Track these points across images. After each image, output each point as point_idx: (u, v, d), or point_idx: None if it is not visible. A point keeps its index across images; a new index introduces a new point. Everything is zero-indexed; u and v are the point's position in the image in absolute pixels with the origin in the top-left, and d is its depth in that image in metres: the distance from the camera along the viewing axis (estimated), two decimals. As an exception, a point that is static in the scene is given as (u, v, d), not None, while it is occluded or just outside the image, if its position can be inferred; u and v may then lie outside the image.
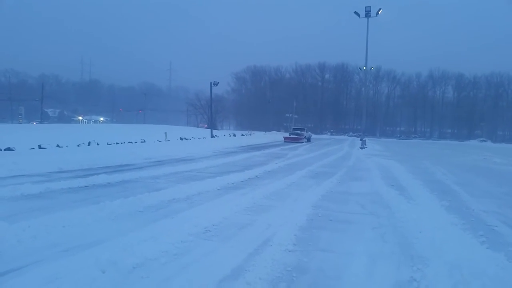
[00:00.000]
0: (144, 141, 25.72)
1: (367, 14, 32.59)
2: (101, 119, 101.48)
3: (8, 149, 15.98)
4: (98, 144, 21.35)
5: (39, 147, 17.69)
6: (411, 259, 4.52)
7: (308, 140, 44.90)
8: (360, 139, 34.15)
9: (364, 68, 36.94)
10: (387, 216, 6.80)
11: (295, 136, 41.40)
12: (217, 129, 68.32)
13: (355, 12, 32.92)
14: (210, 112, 52.56)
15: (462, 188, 10.43)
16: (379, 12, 32.59)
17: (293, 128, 47.13)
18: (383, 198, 8.59)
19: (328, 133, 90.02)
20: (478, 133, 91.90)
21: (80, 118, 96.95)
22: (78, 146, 19.89)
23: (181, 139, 31.79)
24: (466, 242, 4.84)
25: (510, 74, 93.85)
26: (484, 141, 76.67)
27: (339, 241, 5.22)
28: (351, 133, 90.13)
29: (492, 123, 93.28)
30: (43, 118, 76.60)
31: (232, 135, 47.81)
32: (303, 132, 43.28)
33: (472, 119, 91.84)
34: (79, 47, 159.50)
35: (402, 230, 5.82)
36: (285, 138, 42.03)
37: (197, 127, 79.37)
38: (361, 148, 30.62)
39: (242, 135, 49.66)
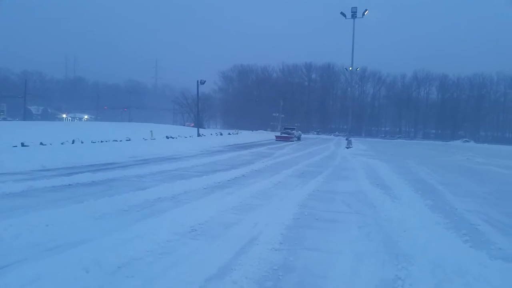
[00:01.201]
0: (130, 140, 25.43)
1: (353, 15, 32.76)
2: (86, 117, 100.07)
3: (-11, 146, 15.62)
4: (82, 142, 21.05)
5: (22, 144, 17.33)
6: (396, 257, 4.57)
7: (298, 139, 46.87)
8: (346, 139, 34.42)
9: (350, 68, 37.20)
10: (372, 215, 6.87)
11: (286, 135, 43.41)
12: (204, 128, 68.05)
13: (341, 13, 33.07)
14: (196, 111, 52.31)
15: (446, 188, 10.60)
16: (365, 13, 32.81)
17: (284, 128, 49.08)
18: (368, 197, 8.67)
19: (315, 132, 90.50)
20: (461, 133, 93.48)
21: (64, 115, 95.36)
22: (62, 144, 19.56)
23: (167, 137, 31.55)
24: (449, 241, 4.92)
25: (493, 76, 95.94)
26: (467, 141, 78.03)
27: (325, 240, 5.25)
28: (337, 132, 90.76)
29: (475, 124, 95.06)
30: (26, 115, 75.18)
31: (219, 134, 47.65)
32: (293, 132, 45.23)
33: (455, 120, 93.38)
34: (63, 44, 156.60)
35: (386, 229, 5.88)
36: (276, 137, 43.99)
37: (184, 125, 78.89)
38: (347, 147, 30.85)
39: (229, 134, 49.57)
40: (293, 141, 42.15)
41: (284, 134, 44.28)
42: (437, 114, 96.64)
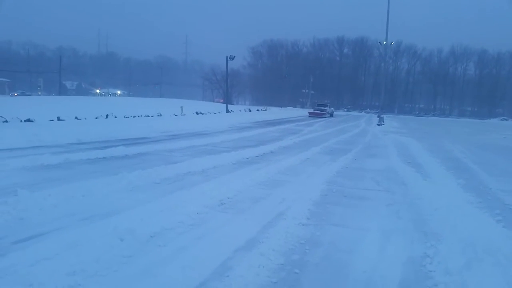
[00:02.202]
0: (161, 115, 25.90)
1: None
2: (118, 92, 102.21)
3: (28, 120, 16.31)
4: (115, 117, 21.61)
5: (58, 119, 18.00)
6: (425, 235, 4.53)
7: (331, 115, 48.07)
8: (378, 116, 33.70)
9: (384, 42, 35.96)
10: (402, 193, 6.78)
11: (319, 112, 44.21)
12: (233, 104, 68.24)
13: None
14: (225, 87, 52.36)
15: (480, 167, 10.27)
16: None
17: (317, 104, 49.31)
18: (399, 175, 8.54)
19: (345, 109, 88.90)
20: (499, 111, 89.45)
21: (98, 90, 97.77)
22: (96, 118, 20.17)
23: (196, 113, 31.89)
24: (481, 220, 4.81)
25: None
26: (505, 119, 74.73)
27: (352, 217, 5.24)
28: (368, 109, 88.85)
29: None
30: (61, 90, 77.54)
31: (247, 110, 47.69)
32: (326, 108, 46.17)
33: (493, 97, 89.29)
34: (96, 20, 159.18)
35: (416, 207, 5.81)
36: (310, 113, 44.75)
37: (213, 101, 79.37)
38: (379, 124, 30.26)
39: (258, 110, 49.55)
40: (325, 117, 42.95)
41: (317, 110, 44.88)
42: (474, 91, 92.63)
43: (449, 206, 5.41)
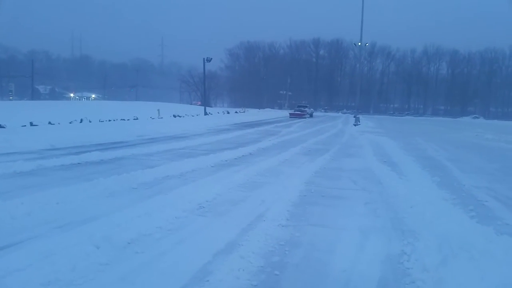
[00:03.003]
0: (137, 118, 25.55)
1: (363, -13, 32.00)
2: (93, 96, 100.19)
3: (-1, 126, 15.82)
4: (90, 121, 21.21)
5: (31, 124, 17.52)
6: (402, 233, 4.61)
7: (311, 115, 50.28)
8: (354, 116, 34.19)
9: (359, 44, 36.54)
10: (379, 192, 6.89)
11: (299, 112, 46.54)
12: (211, 107, 68.00)
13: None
14: (203, 89, 52.14)
15: (454, 164, 10.55)
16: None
17: (298, 106, 52.19)
18: (375, 174, 8.67)
19: (323, 110, 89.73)
20: (471, 110, 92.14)
21: (72, 95, 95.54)
22: (70, 123, 19.75)
23: (174, 116, 31.64)
24: (456, 217, 4.92)
25: (505, 50, 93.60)
26: (477, 117, 77.04)
27: (331, 216, 5.29)
28: (345, 110, 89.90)
29: (485, 100, 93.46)
30: (34, 95, 75.50)
31: (225, 112, 47.55)
32: (306, 109, 48.74)
33: (465, 96, 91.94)
34: (69, 22, 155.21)
35: (393, 205, 5.91)
36: (290, 114, 46.86)
37: (191, 104, 78.78)
38: (355, 125, 30.68)
39: (236, 112, 49.52)
40: (305, 117, 45.02)
41: (298, 111, 47.17)
42: (447, 90, 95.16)
43: (424, 204, 5.52)
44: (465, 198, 6.63)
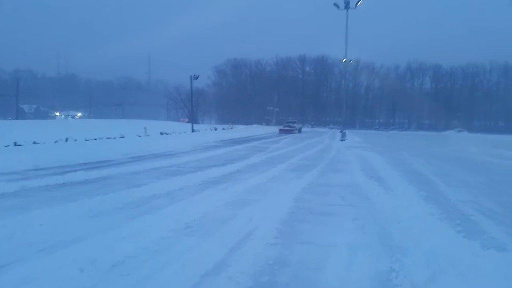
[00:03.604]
0: (123, 137, 25.33)
1: (346, 6, 32.66)
2: (79, 114, 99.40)
3: (-18, 146, 15.50)
4: (75, 140, 20.95)
5: (15, 144, 17.21)
6: (390, 249, 4.61)
7: (299, 131, 52.54)
8: (340, 131, 34.49)
9: (344, 60, 37.13)
10: (366, 207, 6.91)
11: (289, 128, 49.06)
12: (198, 123, 67.90)
13: (335, 4, 32.95)
14: (190, 106, 52.14)
15: (440, 178, 10.66)
16: (359, 4, 32.68)
17: (287, 121, 54.20)
18: (363, 189, 8.71)
19: (309, 125, 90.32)
20: (455, 123, 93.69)
21: (57, 113, 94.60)
22: (55, 142, 19.47)
23: (161, 134, 31.47)
24: (443, 232, 4.95)
25: (486, 65, 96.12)
26: (461, 131, 78.35)
27: (320, 233, 5.27)
28: (331, 125, 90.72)
29: (468, 114, 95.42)
30: (19, 114, 74.48)
31: (213, 129, 47.59)
32: (295, 125, 51.22)
33: (449, 110, 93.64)
34: (54, 41, 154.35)
35: (381, 221, 5.92)
36: (280, 130, 49.32)
37: (178, 121, 78.66)
38: (342, 140, 30.91)
39: (223, 129, 49.60)
40: (294, 133, 47.47)
41: (287, 127, 49.73)
42: (431, 104, 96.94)
43: (412, 219, 5.55)
44: (451, 212, 6.68)
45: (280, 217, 5.99)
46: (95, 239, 4.61)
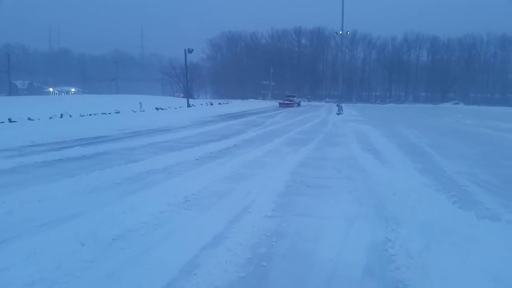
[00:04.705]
0: (119, 112, 25.19)
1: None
2: (73, 90, 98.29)
3: (-24, 123, 15.39)
4: (70, 116, 20.82)
5: (9, 120, 17.09)
6: (386, 220, 4.68)
7: (298, 105, 55.05)
8: (337, 105, 34.42)
9: (340, 32, 36.65)
10: (362, 180, 6.97)
11: (288, 102, 51.22)
12: (194, 98, 67.49)
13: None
14: (185, 81, 51.60)
15: (435, 150, 10.74)
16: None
17: (286, 96, 57.22)
18: (359, 162, 8.76)
19: (306, 99, 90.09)
20: (451, 95, 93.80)
21: (51, 89, 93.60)
22: (50, 118, 19.34)
23: (156, 109, 31.32)
24: (438, 203, 5.01)
25: (483, 36, 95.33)
26: (457, 103, 78.52)
27: (316, 206, 5.34)
28: (327, 99, 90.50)
29: (465, 86, 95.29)
30: (12, 90, 73.64)
31: (209, 104, 47.33)
32: (294, 99, 53.83)
33: (445, 82, 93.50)
34: (46, 15, 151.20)
35: (377, 193, 5.99)
36: (280, 103, 51.38)
37: (173, 96, 78.01)
38: (338, 114, 30.91)
39: (219, 103, 49.43)
40: (294, 106, 49.62)
41: (287, 101, 51.97)
42: (428, 76, 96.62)
43: (407, 190, 5.60)
44: (446, 184, 6.76)
45: (277, 190, 6.04)
46: (95, 214, 4.64)
